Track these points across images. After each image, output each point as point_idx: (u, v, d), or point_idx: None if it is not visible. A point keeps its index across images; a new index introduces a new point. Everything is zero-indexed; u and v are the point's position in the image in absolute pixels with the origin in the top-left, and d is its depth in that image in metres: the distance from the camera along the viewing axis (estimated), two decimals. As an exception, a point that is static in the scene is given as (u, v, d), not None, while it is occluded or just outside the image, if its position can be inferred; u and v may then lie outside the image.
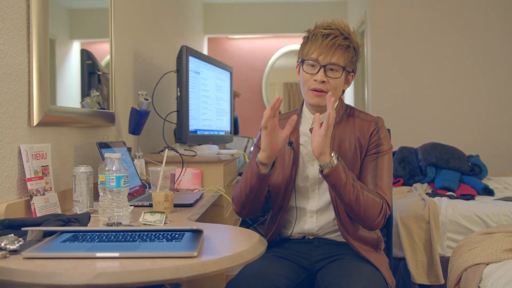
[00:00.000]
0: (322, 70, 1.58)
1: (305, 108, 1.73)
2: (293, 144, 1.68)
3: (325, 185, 1.65)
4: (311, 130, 1.67)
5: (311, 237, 1.69)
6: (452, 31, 4.52)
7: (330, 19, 1.65)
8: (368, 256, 1.60)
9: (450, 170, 3.49)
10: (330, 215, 1.66)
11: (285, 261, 1.64)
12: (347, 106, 1.73)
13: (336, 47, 1.58)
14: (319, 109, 1.65)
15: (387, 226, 1.93)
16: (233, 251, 1.11)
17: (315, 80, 1.59)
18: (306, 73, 1.62)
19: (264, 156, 1.52)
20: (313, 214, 1.66)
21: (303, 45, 1.66)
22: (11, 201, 1.41)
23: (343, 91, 1.71)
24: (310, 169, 1.67)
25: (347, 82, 1.67)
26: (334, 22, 1.63)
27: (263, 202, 1.70)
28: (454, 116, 4.52)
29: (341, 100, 1.72)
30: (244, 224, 3.71)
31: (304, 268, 1.66)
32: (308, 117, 1.70)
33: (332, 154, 1.48)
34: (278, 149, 1.51)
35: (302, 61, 1.63)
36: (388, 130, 1.91)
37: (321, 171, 1.50)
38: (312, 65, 1.60)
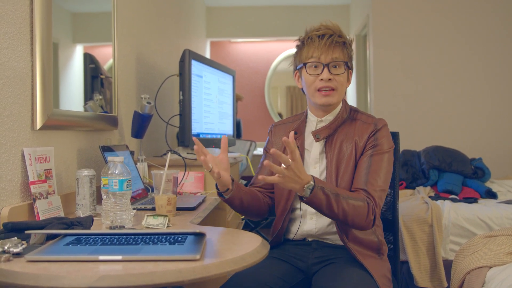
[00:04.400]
0: (326, 68, 1.61)
1: (309, 112, 1.74)
2: (299, 148, 1.68)
3: None
4: (313, 133, 1.68)
5: (310, 239, 1.69)
6: (455, 34, 4.52)
7: (318, 22, 1.68)
8: (364, 260, 1.57)
9: (453, 173, 3.48)
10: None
11: (282, 263, 1.64)
12: (351, 109, 1.73)
13: (334, 44, 1.62)
14: (326, 108, 1.67)
15: (393, 232, 1.90)
16: (236, 254, 1.11)
17: (322, 79, 1.61)
18: (311, 75, 1.63)
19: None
20: (313, 216, 1.67)
21: (299, 51, 1.69)
22: (14, 204, 1.41)
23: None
24: (312, 172, 1.68)
25: (348, 80, 1.69)
26: (323, 24, 1.66)
27: (258, 209, 1.74)
28: (457, 119, 4.51)
29: (344, 102, 1.73)
30: (246, 227, 3.71)
31: (300, 271, 1.65)
32: (312, 120, 1.72)
33: (305, 187, 1.43)
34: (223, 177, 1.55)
35: (304, 64, 1.65)
36: (395, 133, 1.90)
37: (300, 198, 1.48)
38: (315, 66, 1.62)
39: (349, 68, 1.67)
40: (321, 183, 1.47)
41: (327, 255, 1.65)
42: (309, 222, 1.68)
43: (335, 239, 1.67)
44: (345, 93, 1.76)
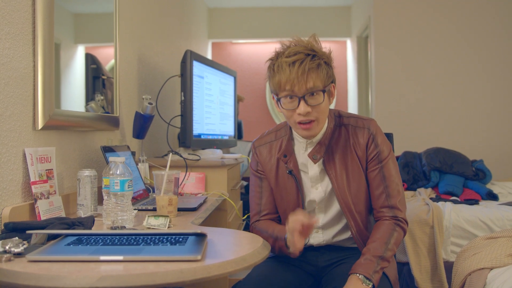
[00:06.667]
0: (302, 101, 1.45)
1: (294, 132, 1.62)
2: (293, 171, 1.59)
3: (332, 203, 1.60)
4: (309, 155, 1.57)
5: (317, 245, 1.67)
6: (457, 36, 4.52)
7: (288, 41, 1.50)
8: None
9: (454, 175, 3.48)
10: (338, 226, 1.62)
11: (292, 267, 1.62)
12: (335, 115, 1.62)
13: (307, 71, 1.43)
14: (310, 137, 1.56)
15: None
16: (237, 255, 1.11)
17: (299, 114, 1.46)
18: (287, 110, 1.48)
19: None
20: (319, 230, 1.64)
21: (271, 77, 1.50)
22: (15, 205, 1.41)
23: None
24: (315, 193, 1.60)
25: (331, 96, 1.54)
26: (293, 47, 1.47)
27: None
28: (458, 120, 4.51)
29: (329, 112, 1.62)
30: (247, 228, 3.71)
31: (310, 275, 1.64)
32: (300, 140, 1.60)
33: (364, 285, 1.38)
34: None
35: (278, 99, 1.50)
36: (389, 134, 1.90)
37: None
38: (290, 97, 1.46)
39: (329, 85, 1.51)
40: (365, 270, 1.40)
41: (336, 257, 1.63)
42: (316, 235, 1.64)
43: (346, 243, 1.65)
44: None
